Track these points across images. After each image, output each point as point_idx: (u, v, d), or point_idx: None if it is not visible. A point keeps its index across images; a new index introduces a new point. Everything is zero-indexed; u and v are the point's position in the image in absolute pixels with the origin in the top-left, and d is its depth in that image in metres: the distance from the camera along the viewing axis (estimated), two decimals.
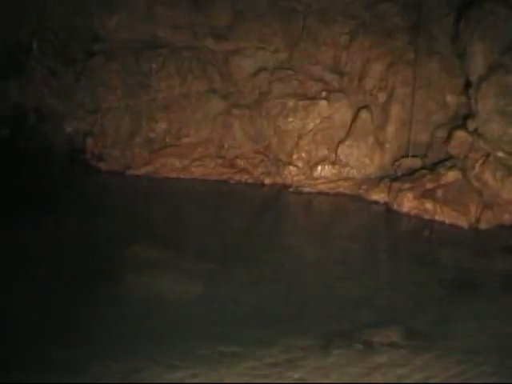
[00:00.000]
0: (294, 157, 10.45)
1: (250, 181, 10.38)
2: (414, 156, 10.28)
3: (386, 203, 9.33)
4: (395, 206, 9.47)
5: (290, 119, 10.92)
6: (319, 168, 10.25)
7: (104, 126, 11.41)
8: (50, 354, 4.30)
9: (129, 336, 4.64)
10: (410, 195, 9.43)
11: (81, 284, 5.77)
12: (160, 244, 7.01)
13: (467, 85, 9.73)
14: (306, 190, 10.03)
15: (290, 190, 10.13)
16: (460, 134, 9.55)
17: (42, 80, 11.80)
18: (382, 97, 10.70)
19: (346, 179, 10.00)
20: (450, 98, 10.26)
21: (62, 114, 11.81)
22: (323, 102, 10.92)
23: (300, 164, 10.34)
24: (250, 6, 11.36)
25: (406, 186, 9.63)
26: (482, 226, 8.93)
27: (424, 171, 9.85)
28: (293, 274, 6.44)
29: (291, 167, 10.38)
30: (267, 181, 10.37)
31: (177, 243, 7.27)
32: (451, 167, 9.47)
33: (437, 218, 9.04)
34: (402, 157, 10.33)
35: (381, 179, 9.70)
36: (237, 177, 10.40)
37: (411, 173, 9.95)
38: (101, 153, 11.37)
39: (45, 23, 11.91)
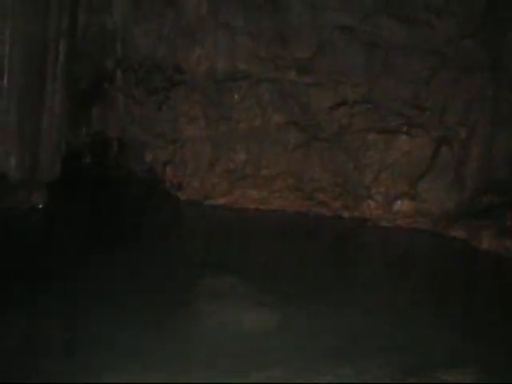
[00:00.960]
0: (373, 191, 12.17)
1: (328, 214, 12.10)
2: (494, 193, 11.35)
3: (464, 240, 10.56)
4: (474, 243, 10.45)
5: (370, 153, 12.71)
6: (398, 203, 11.90)
7: (184, 156, 13.91)
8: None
9: (207, 363, 5.37)
10: (489, 232, 10.45)
11: (153, 311, 6.65)
12: (235, 274, 8.11)
13: None
14: (384, 224, 11.64)
15: (368, 224, 11.72)
16: None
17: (124, 109, 14.54)
18: (462, 133, 12.89)
19: (424, 215, 11.49)
20: None
21: (143, 143, 14.34)
22: (404, 137, 13.21)
23: (379, 198, 12.04)
24: (332, 39, 13.76)
25: (486, 223, 10.59)
26: None
27: (504, 208, 11.76)
28: (365, 311, 7.17)
29: (370, 201, 12.12)
30: (345, 214, 12.11)
31: (251, 273, 8.35)
32: None
33: None
34: (482, 193, 11.66)
35: (460, 216, 10.98)
36: (315, 209, 12.12)
37: (491, 210, 10.82)
38: (180, 182, 13.86)
39: (129, 53, 14.69)
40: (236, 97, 14.02)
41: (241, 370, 5.28)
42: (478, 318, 7.41)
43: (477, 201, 11.45)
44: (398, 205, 12.06)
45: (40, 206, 11.59)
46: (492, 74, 13.01)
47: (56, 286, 7.32)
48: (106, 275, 7.87)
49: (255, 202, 12.49)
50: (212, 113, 14.06)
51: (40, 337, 6.07)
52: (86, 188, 14.40)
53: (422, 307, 7.66)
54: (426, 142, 12.87)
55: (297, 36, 14.17)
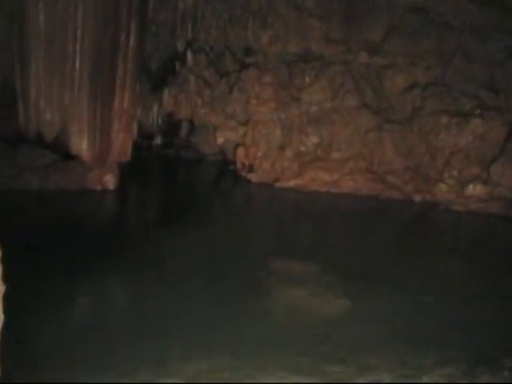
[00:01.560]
0: (445, 174, 13.40)
1: (399, 197, 13.21)
2: None
3: None
4: None
5: (443, 136, 13.81)
6: (470, 187, 12.97)
7: (255, 138, 15.33)
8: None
9: (285, 348, 5.77)
10: None
11: (227, 296, 7.01)
12: (305, 258, 8.54)
13: None
14: (456, 208, 12.67)
15: (440, 207, 12.77)
16: None
17: (195, 90, 15.94)
18: None
19: (497, 199, 12.61)
20: None
21: (213, 125, 15.56)
22: (477, 120, 13.79)
23: (451, 182, 13.23)
24: (405, 20, 14.85)
25: None
26: None
27: None
28: (436, 299, 7.42)
29: (442, 185, 13.27)
30: (417, 198, 13.27)
31: (322, 257, 8.69)
32: None
33: None
34: None
35: None
36: (386, 193, 13.31)
37: None
38: (251, 164, 15.29)
39: (200, 35, 15.92)
40: (307, 79, 15.16)
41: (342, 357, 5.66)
42: None
43: None
44: (471, 188, 12.96)
45: (111, 188, 12.14)
46: None
47: (133, 267, 7.97)
48: (182, 257, 8.50)
49: (326, 184, 13.53)
50: (283, 95, 15.44)
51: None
52: (156, 169, 16.31)
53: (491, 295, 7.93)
54: (499, 124, 13.56)
55: (369, 17, 15.38)
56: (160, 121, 17.30)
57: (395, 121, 14.35)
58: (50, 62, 12.05)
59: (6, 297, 3.01)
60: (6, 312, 3.03)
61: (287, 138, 14.70)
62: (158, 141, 17.30)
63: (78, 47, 12.28)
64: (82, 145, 12.33)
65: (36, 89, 12.36)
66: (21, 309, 4.11)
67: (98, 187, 12.07)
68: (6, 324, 3.05)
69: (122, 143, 12.98)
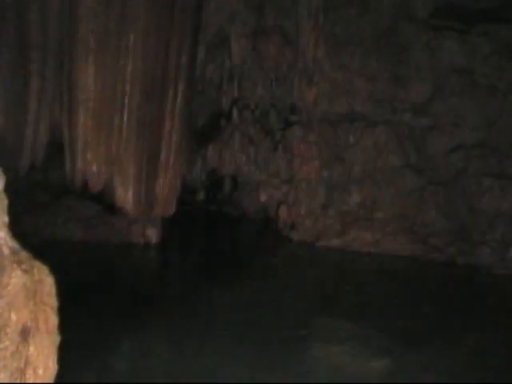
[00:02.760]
0: (488, 237, 13.81)
1: (441, 259, 13.60)
2: None
3: None
4: None
5: (486, 198, 14.35)
6: None
7: (298, 196, 16.49)
8: None
9: None
10: None
11: (269, 350, 7.71)
12: (347, 317, 9.11)
13: None
14: (500, 272, 12.88)
15: (483, 271, 13.06)
16: None
17: (240, 147, 17.39)
18: None
19: None
20: None
21: (257, 182, 17.10)
22: None
23: (494, 245, 13.50)
24: (449, 82, 16.22)
25: None
26: None
27: None
28: (474, 362, 8.07)
29: (485, 248, 13.61)
30: (459, 260, 13.59)
31: (363, 317, 9.30)
32: None
33: None
34: None
35: None
36: (429, 254, 13.66)
37: None
38: (293, 222, 16.36)
39: (246, 92, 17.53)
40: (352, 138, 16.47)
41: None
42: None
43: None
44: None
45: (154, 242, 12.95)
46: None
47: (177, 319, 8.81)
48: (222, 315, 9.22)
49: (368, 244, 14.24)
50: (327, 154, 16.57)
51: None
52: (199, 225, 17.40)
53: None
54: None
55: (414, 78, 16.59)
56: (204, 176, 18.80)
57: (439, 182, 14.96)
58: (99, 115, 13.29)
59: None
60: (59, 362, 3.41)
61: (330, 196, 15.43)
62: (201, 196, 18.78)
63: (126, 101, 13.36)
64: (126, 198, 13.04)
65: (83, 140, 13.30)
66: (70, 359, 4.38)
67: (141, 241, 12.86)
68: (59, 375, 3.48)
69: (166, 198, 13.75)
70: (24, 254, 3.48)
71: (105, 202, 13.11)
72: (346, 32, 16.92)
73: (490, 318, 10.62)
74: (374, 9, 16.73)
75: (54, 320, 3.57)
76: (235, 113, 17.43)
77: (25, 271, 3.40)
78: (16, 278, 3.36)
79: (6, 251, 3.34)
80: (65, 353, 3.74)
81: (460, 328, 9.66)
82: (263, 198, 17.03)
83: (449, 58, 16.45)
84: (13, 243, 3.43)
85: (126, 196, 13.56)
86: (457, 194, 15.54)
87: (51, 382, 3.52)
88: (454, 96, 16.24)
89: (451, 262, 13.85)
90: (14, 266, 3.36)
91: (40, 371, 3.46)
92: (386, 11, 16.69)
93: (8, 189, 3.49)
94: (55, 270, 3.69)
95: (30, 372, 3.42)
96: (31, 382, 3.39)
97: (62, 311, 3.69)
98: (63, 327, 3.69)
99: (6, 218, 3.42)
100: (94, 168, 13.60)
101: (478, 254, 13.92)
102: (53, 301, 3.57)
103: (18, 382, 3.34)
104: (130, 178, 13.59)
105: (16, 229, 3.55)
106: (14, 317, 3.35)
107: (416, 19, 16.72)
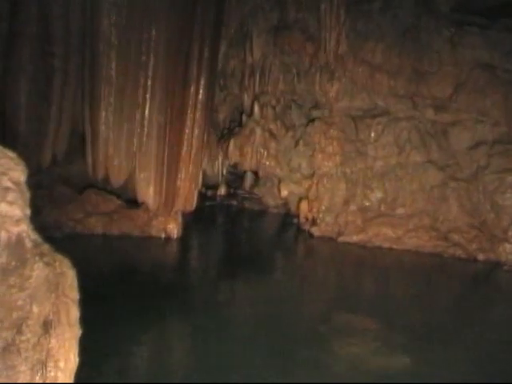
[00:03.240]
0: (510, 234, 14.00)
1: (463, 255, 13.81)
2: None
3: None
4: None
5: (508, 195, 14.44)
6: None
7: (319, 192, 16.56)
8: None
9: None
10: None
11: (287, 348, 7.75)
12: (367, 313, 9.21)
13: None
14: None
15: (504, 267, 13.33)
16: None
17: (261, 142, 17.43)
18: None
19: None
20: None
21: (278, 177, 17.19)
22: None
23: None
24: (472, 77, 16.23)
25: None
26: None
27: None
28: (495, 361, 8.10)
29: (506, 244, 13.87)
30: (480, 257, 13.83)
31: (384, 314, 9.36)
32: None
33: None
34: None
35: None
36: (450, 250, 13.90)
37: None
38: (314, 218, 16.50)
39: (267, 88, 17.64)
40: (373, 134, 16.50)
41: None
42: None
43: None
44: None
45: (175, 236, 13.06)
46: None
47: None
48: (243, 309, 9.38)
49: (389, 240, 14.36)
50: (349, 149, 16.60)
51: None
52: (220, 220, 17.55)
53: None
54: None
55: (436, 74, 16.60)
56: (225, 171, 18.97)
57: (461, 178, 15.09)
58: (120, 109, 13.45)
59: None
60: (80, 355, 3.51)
61: (351, 192, 15.54)
62: (222, 191, 18.89)
63: (148, 96, 13.46)
64: (148, 192, 13.23)
65: (105, 135, 13.47)
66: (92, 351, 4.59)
67: (162, 235, 13.01)
68: (80, 366, 3.55)
69: (187, 192, 13.62)
70: (46, 247, 3.54)
71: (126, 195, 13.28)
72: (367, 27, 16.93)
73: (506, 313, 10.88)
74: (397, 4, 16.62)
75: (75, 313, 3.63)
76: (256, 108, 17.47)
77: (47, 264, 3.47)
78: (38, 271, 3.43)
79: (28, 244, 3.40)
80: (88, 343, 3.86)
81: (480, 325, 9.77)
82: (284, 193, 17.13)
83: (471, 53, 16.44)
84: (35, 236, 3.49)
85: (147, 190, 13.72)
86: (478, 191, 15.55)
87: (72, 373, 3.58)
88: (476, 91, 16.22)
89: (472, 258, 14.00)
90: (36, 258, 3.43)
91: (61, 364, 3.53)
92: (407, 6, 16.56)
93: (30, 182, 3.55)
94: (77, 263, 3.75)
95: (51, 364, 3.48)
96: (52, 374, 3.45)
97: (83, 303, 3.77)
98: (85, 319, 3.78)
99: (27, 211, 3.47)
100: (116, 162, 13.80)
101: (499, 250, 14.10)
102: (74, 294, 3.65)
103: (40, 374, 3.39)
104: (152, 172, 13.73)
105: (37, 222, 3.59)
106: (35, 309, 3.41)
107: (438, 14, 16.69)
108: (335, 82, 17.00)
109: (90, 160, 13.99)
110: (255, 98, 17.98)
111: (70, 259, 3.63)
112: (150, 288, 9.66)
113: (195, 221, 14.27)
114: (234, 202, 17.59)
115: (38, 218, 3.62)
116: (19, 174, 3.45)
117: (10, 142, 12.54)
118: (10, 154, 3.50)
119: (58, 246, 3.66)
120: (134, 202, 13.21)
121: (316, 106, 17.28)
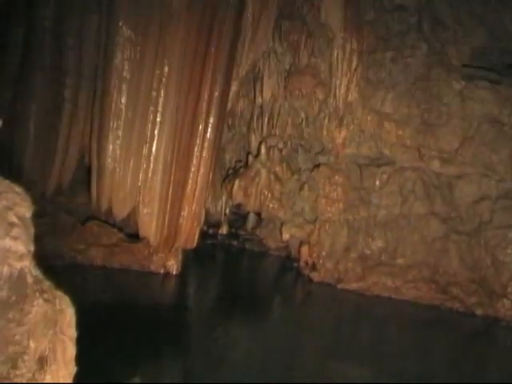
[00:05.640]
0: (509, 290, 14.07)
1: (461, 309, 13.92)
2: None
3: None
4: None
5: (509, 251, 14.62)
6: None
7: (321, 237, 16.93)
8: None
9: None
10: None
11: None
12: (361, 361, 9.51)
13: None
14: None
15: (502, 323, 13.45)
16: None
17: (266, 184, 17.92)
18: None
19: None
20: None
21: (281, 220, 17.73)
22: None
23: None
24: (480, 131, 16.73)
25: None
26: None
27: None
28: None
29: (505, 300, 13.91)
30: (479, 311, 13.91)
31: (377, 363, 9.71)
32: None
33: None
34: None
35: None
36: (448, 304, 13.99)
37: None
38: (314, 263, 16.77)
39: (275, 130, 18.25)
40: (378, 183, 16.98)
41: None
42: None
43: None
44: None
45: (174, 272, 13.30)
46: None
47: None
48: (236, 351, 9.65)
49: (388, 290, 14.54)
50: (353, 196, 17.05)
51: None
52: (220, 259, 17.90)
53: None
54: None
55: (444, 126, 17.10)
56: (228, 211, 19.45)
57: (463, 231, 15.35)
58: (128, 143, 13.77)
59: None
60: None
61: (353, 239, 15.84)
62: (224, 230, 19.35)
63: (156, 132, 13.84)
64: (150, 227, 13.73)
65: (111, 168, 13.76)
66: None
67: (161, 270, 13.24)
68: None
69: (189, 230, 14.25)
70: (47, 284, 3.65)
71: (128, 229, 13.51)
72: (378, 76, 17.31)
73: (507, 371, 11.05)
74: (409, 54, 17.20)
75: (71, 350, 3.73)
76: (263, 150, 17.79)
77: (47, 301, 3.58)
78: (37, 307, 3.53)
79: (29, 280, 3.51)
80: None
81: (470, 378, 9.95)
82: (286, 236, 17.41)
83: (480, 107, 16.73)
84: (37, 272, 3.60)
85: (149, 226, 14.01)
86: (480, 245, 15.89)
87: None
88: (483, 146, 16.56)
89: (471, 312, 14.15)
90: (37, 294, 3.53)
91: None
92: (420, 57, 17.13)
93: (33, 210, 3.66)
94: (75, 296, 3.89)
95: None
96: None
97: (79, 338, 3.87)
98: (80, 356, 3.87)
99: (31, 247, 3.57)
100: (120, 196, 14.07)
101: (498, 306, 14.22)
102: (72, 331, 3.75)
103: None
104: (155, 208, 14.00)
105: (39, 250, 3.68)
106: (32, 345, 3.51)
107: (450, 66, 17.12)
108: (343, 128, 17.40)
109: (94, 192, 14.26)
110: (263, 139, 18.35)
111: (69, 289, 3.75)
112: (146, 326, 9.86)
113: (195, 258, 14.48)
114: (235, 242, 17.80)
115: (39, 247, 3.69)
116: (25, 209, 3.57)
117: (17, 168, 13.20)
118: (17, 188, 3.63)
119: (57, 276, 3.81)
120: (135, 236, 13.41)
121: (323, 151, 17.62)
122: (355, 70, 17.44)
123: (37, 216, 3.70)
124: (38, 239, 3.66)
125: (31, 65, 14.43)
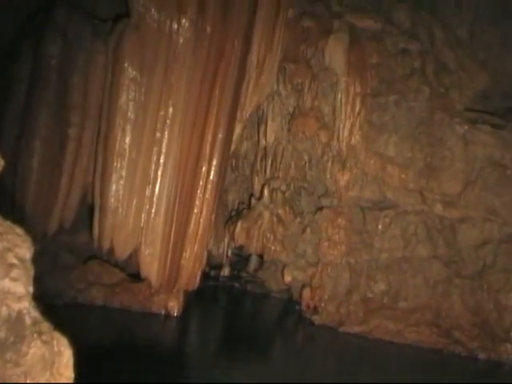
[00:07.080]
0: None
1: (463, 353, 14.00)
2: None
3: None
4: None
5: None
6: None
7: (323, 280, 17.06)
8: None
9: None
10: None
11: None
12: None
13: None
14: None
15: (505, 368, 13.49)
16: None
17: (268, 227, 18.18)
18: None
19: None
20: None
21: (283, 263, 18.01)
22: None
23: None
24: (482, 175, 17.03)
25: None
26: None
27: None
28: None
29: (508, 345, 14.01)
30: (481, 356, 13.99)
31: None
32: None
33: None
34: None
35: None
36: (451, 347, 14.03)
37: None
38: (316, 306, 16.91)
39: (278, 172, 18.61)
40: (380, 226, 17.20)
41: None
42: None
43: None
44: None
45: (175, 314, 13.55)
46: None
47: None
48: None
49: (390, 333, 14.55)
50: (355, 240, 17.21)
51: None
52: (221, 301, 18.05)
53: None
54: None
55: (447, 170, 17.37)
56: (230, 252, 19.69)
57: (465, 275, 15.35)
58: (131, 184, 14.01)
59: None
60: None
61: (355, 282, 15.83)
62: (226, 272, 19.65)
63: (159, 172, 14.13)
64: (151, 268, 13.64)
65: (114, 208, 13.97)
66: None
67: (162, 311, 13.47)
68: None
69: (191, 271, 14.59)
70: (45, 325, 3.67)
71: (130, 269, 13.76)
72: (381, 119, 17.50)
73: None
74: (412, 98, 17.59)
75: None
76: (266, 192, 17.98)
77: (44, 342, 3.59)
78: (35, 349, 3.55)
79: (28, 321, 3.55)
80: None
81: None
82: (288, 278, 17.54)
83: (482, 151, 16.98)
84: (35, 313, 3.63)
85: (151, 266, 14.29)
86: (483, 289, 16.05)
87: None
88: (486, 190, 16.74)
89: (473, 356, 14.21)
90: (35, 336, 3.56)
91: None
92: (423, 100, 17.49)
93: (34, 247, 3.71)
94: (74, 334, 3.96)
95: None
96: None
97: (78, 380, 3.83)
98: None
99: (30, 288, 3.60)
100: (122, 236, 14.29)
101: (500, 350, 14.33)
102: (69, 373, 3.72)
103: None
104: (157, 249, 14.28)
105: (39, 289, 3.74)
106: None
107: (453, 111, 17.42)
108: (346, 171, 17.59)
109: (96, 231, 14.47)
110: (266, 181, 18.56)
111: (69, 336, 3.75)
112: (145, 367, 9.93)
113: (196, 300, 14.67)
114: (237, 284, 17.95)
115: (40, 285, 3.75)
116: (25, 250, 3.61)
117: (19, 205, 13.52)
118: (18, 230, 3.66)
119: (57, 315, 3.86)
120: (136, 276, 13.60)
121: (326, 194, 17.78)
122: (358, 113, 17.58)
123: (38, 254, 3.77)
124: (38, 278, 3.72)
125: (36, 101, 14.77)
